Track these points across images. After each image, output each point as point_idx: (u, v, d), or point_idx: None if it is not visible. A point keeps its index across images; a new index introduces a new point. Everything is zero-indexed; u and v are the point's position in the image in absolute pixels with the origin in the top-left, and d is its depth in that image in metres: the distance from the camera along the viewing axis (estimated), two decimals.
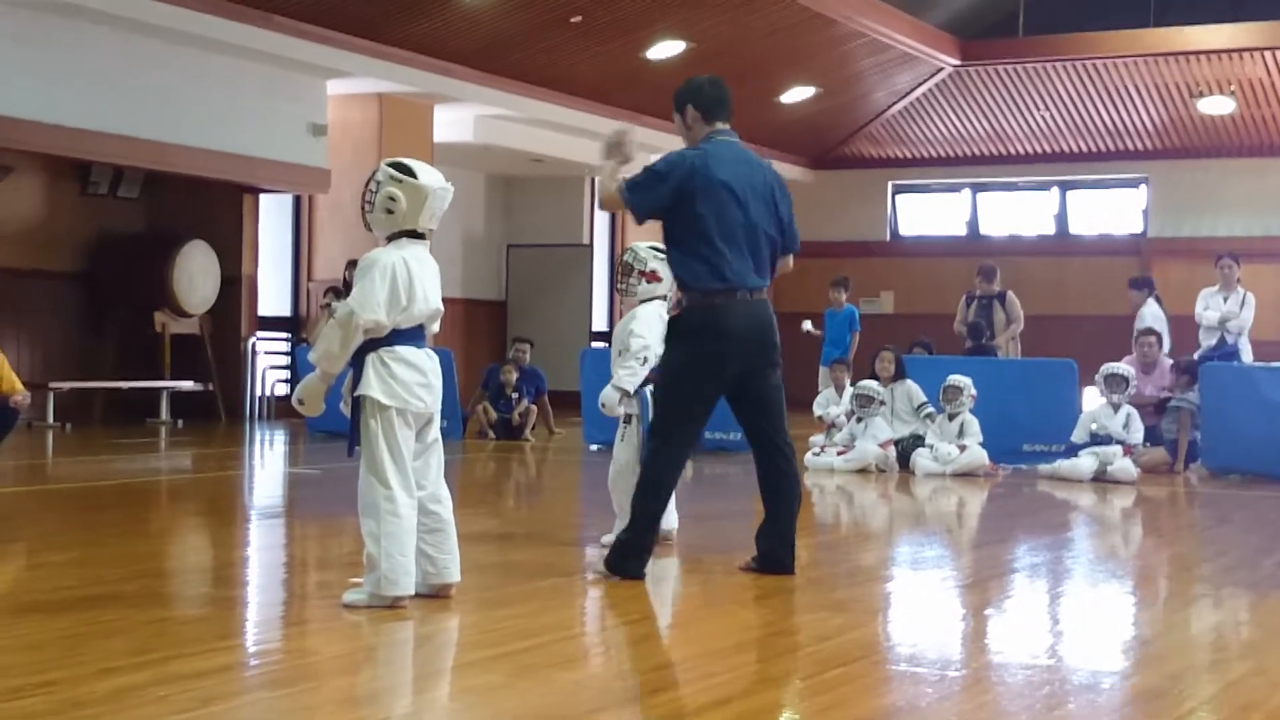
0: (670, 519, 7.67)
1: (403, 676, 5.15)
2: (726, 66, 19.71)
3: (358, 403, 5.90)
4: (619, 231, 23.65)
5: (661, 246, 7.11)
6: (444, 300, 6.14)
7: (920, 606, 6.57)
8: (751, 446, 6.91)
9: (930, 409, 13.01)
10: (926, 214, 26.00)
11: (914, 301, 24.60)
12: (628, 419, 7.59)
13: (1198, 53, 21.34)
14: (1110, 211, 24.81)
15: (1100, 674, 5.15)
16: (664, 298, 7.60)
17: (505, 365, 16.05)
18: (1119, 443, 12.37)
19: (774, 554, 6.80)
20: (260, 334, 18.41)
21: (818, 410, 14.41)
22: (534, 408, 15.90)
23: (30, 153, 15.41)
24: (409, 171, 5.92)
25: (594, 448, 14.23)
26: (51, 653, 5.02)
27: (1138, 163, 24.13)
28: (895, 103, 23.87)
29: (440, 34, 17.25)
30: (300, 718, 4.42)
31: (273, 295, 19.15)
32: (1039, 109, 23.51)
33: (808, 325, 17.16)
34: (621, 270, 7.72)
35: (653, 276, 7.57)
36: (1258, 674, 5.14)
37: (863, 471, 12.55)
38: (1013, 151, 24.74)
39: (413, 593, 5.87)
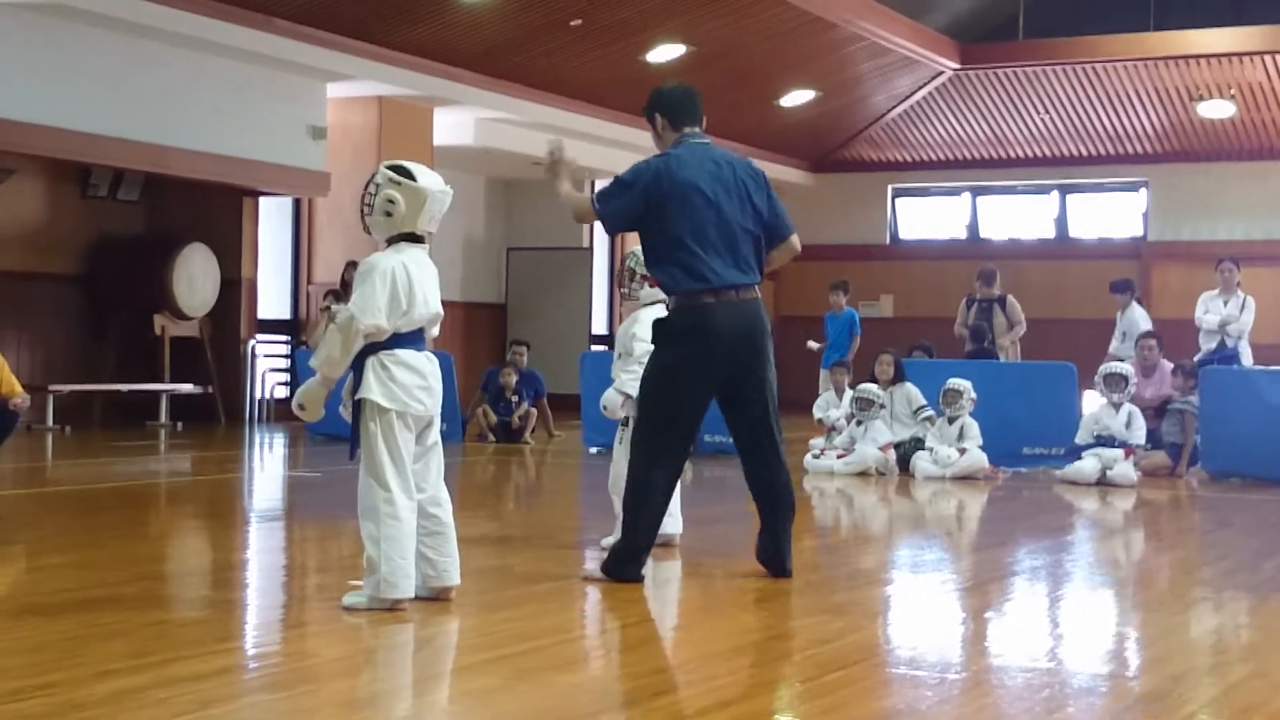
0: (674, 523, 7.66)
1: (402, 679, 5.15)
2: (726, 70, 19.80)
3: (358, 406, 5.90)
4: (619, 235, 23.62)
5: None
6: (444, 303, 6.14)
7: (920, 609, 6.56)
8: (738, 448, 6.86)
9: (929, 412, 13.01)
10: (926, 217, 26.02)
11: (913, 305, 24.61)
12: (626, 422, 7.58)
13: (1198, 56, 21.36)
14: (1110, 215, 24.83)
15: (1100, 677, 5.15)
16: (666, 301, 7.57)
17: (504, 368, 16.05)
18: (1121, 444, 12.36)
19: (770, 556, 6.78)
20: (260, 337, 18.41)
21: (817, 413, 14.41)
22: (533, 411, 15.89)
23: (30, 155, 15.41)
24: (408, 174, 5.91)
25: (593, 450, 14.23)
26: (51, 655, 5.02)
27: (1138, 166, 24.15)
28: (895, 106, 23.88)
29: (440, 37, 17.26)
30: None
31: (272, 298, 19.15)
32: (1039, 112, 23.52)
33: (812, 344, 17.17)
34: (624, 274, 7.71)
35: (655, 280, 7.55)
36: (1258, 677, 5.13)
37: (862, 474, 12.55)
38: (1013, 155, 24.76)
39: (412, 595, 5.87)
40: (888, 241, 25.94)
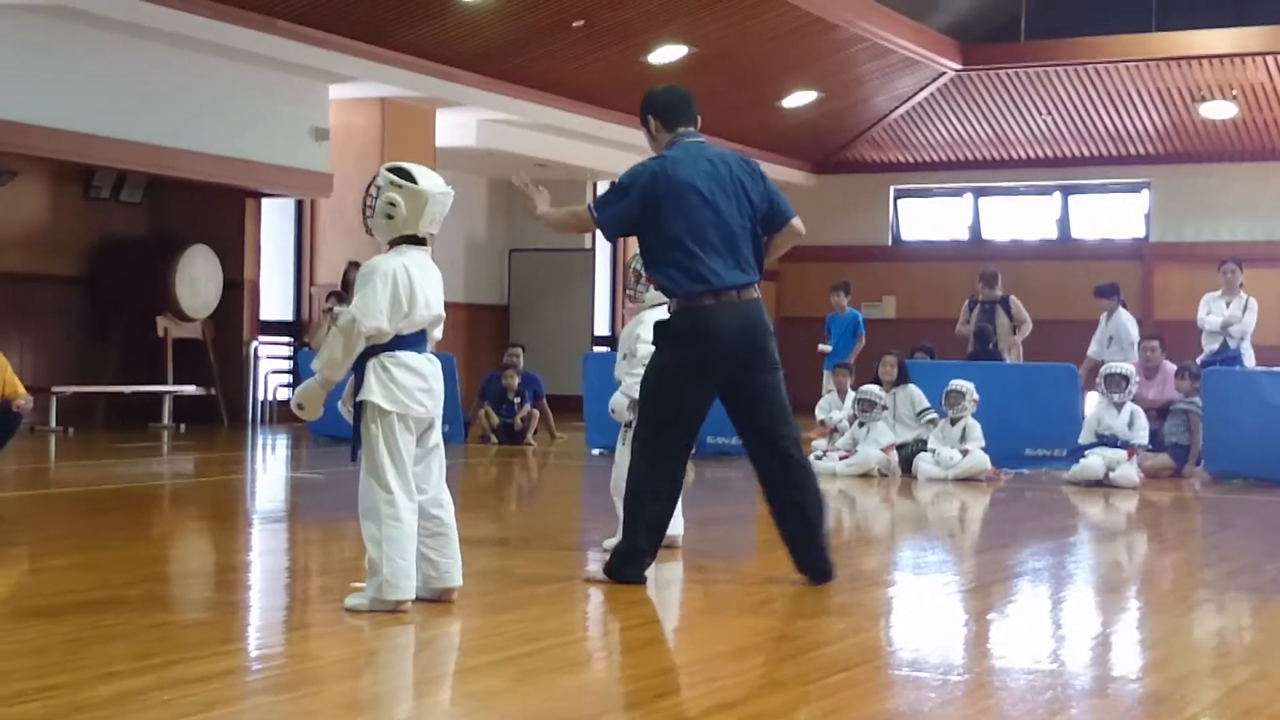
0: (676, 524, 7.66)
1: (405, 681, 5.15)
2: (728, 71, 19.80)
3: (359, 408, 5.90)
4: (619, 240, 23.64)
5: None
6: (446, 305, 6.14)
7: (923, 611, 6.55)
8: (747, 449, 6.77)
9: (933, 414, 12.99)
10: (928, 218, 26.01)
11: (916, 306, 24.60)
12: (629, 424, 7.58)
13: (1200, 57, 21.35)
14: (1112, 216, 24.82)
15: (1103, 679, 5.15)
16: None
17: (506, 370, 16.05)
18: (1124, 444, 12.36)
19: (815, 565, 6.64)
20: (262, 338, 18.41)
21: (820, 414, 14.41)
22: (536, 412, 15.89)
23: (33, 157, 15.41)
24: (409, 176, 5.91)
25: (596, 452, 14.23)
26: (53, 657, 5.02)
27: (1140, 167, 24.14)
28: (897, 107, 23.88)
29: (442, 39, 17.26)
30: None
31: (275, 299, 19.15)
32: (1041, 113, 23.52)
33: (823, 347, 17.16)
34: (631, 276, 7.70)
35: (654, 283, 7.54)
36: (1261, 679, 5.13)
37: (865, 476, 12.54)
38: (1015, 156, 24.75)
39: (414, 597, 5.87)
40: (890, 243, 25.94)
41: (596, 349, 21.51)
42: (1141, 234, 24.44)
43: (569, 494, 12.44)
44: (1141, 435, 12.55)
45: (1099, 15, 22.59)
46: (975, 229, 25.58)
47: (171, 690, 4.58)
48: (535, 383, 16.13)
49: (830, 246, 24.28)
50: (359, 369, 5.90)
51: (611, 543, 7.00)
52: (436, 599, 6.01)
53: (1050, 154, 24.50)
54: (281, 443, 15.92)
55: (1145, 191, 24.39)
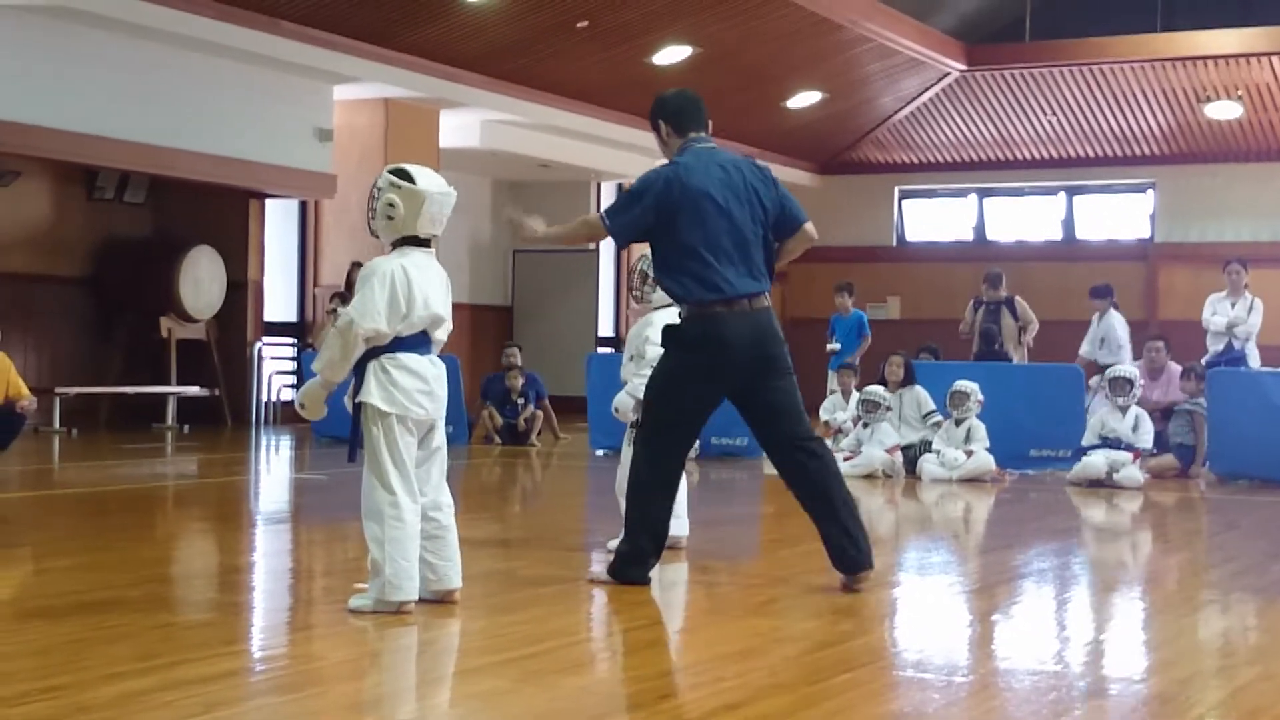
0: (681, 525, 7.65)
1: (408, 682, 5.15)
2: (733, 72, 19.80)
3: (358, 409, 5.91)
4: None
5: None
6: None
7: (927, 612, 6.55)
8: (769, 454, 6.75)
9: (938, 417, 12.96)
10: (933, 219, 26.00)
11: (920, 307, 24.59)
12: (634, 424, 7.57)
13: (1205, 57, 21.34)
14: (1117, 217, 24.80)
15: (1108, 679, 5.14)
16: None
17: (510, 371, 16.05)
18: (1128, 447, 12.34)
19: (844, 553, 6.56)
20: (266, 339, 18.42)
21: (824, 415, 14.40)
22: (539, 413, 15.89)
23: (37, 158, 15.43)
24: (408, 177, 5.91)
25: (600, 453, 14.22)
26: (57, 658, 5.02)
27: (1145, 168, 24.12)
28: (902, 108, 23.87)
29: (446, 39, 17.26)
30: None
31: (279, 300, 19.16)
32: (1046, 114, 23.51)
33: (831, 346, 17.14)
34: (636, 277, 7.68)
35: (667, 290, 7.52)
36: (1266, 679, 5.12)
37: (869, 477, 12.53)
38: (1019, 157, 24.74)
39: (417, 598, 5.87)
40: (894, 243, 25.93)
41: (600, 350, 21.51)
42: (1146, 234, 24.42)
43: (573, 495, 12.43)
44: (1146, 439, 12.53)
45: (1104, 16, 22.57)
46: (980, 230, 25.57)
47: (175, 691, 4.58)
48: (536, 383, 16.13)
49: (835, 247, 24.24)
50: (359, 370, 5.89)
51: (616, 544, 6.99)
52: (438, 600, 6.00)
53: (1055, 155, 24.49)
54: (285, 444, 15.92)
55: (1150, 192, 24.38)
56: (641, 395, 7.33)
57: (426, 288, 5.91)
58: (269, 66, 16.50)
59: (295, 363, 18.61)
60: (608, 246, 23.11)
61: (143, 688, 4.60)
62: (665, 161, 6.75)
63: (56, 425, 15.72)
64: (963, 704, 4.74)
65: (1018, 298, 16.26)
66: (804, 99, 22.26)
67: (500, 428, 15.77)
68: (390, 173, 5.96)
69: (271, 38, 15.86)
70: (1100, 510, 10.94)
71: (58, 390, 15.86)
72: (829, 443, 13.28)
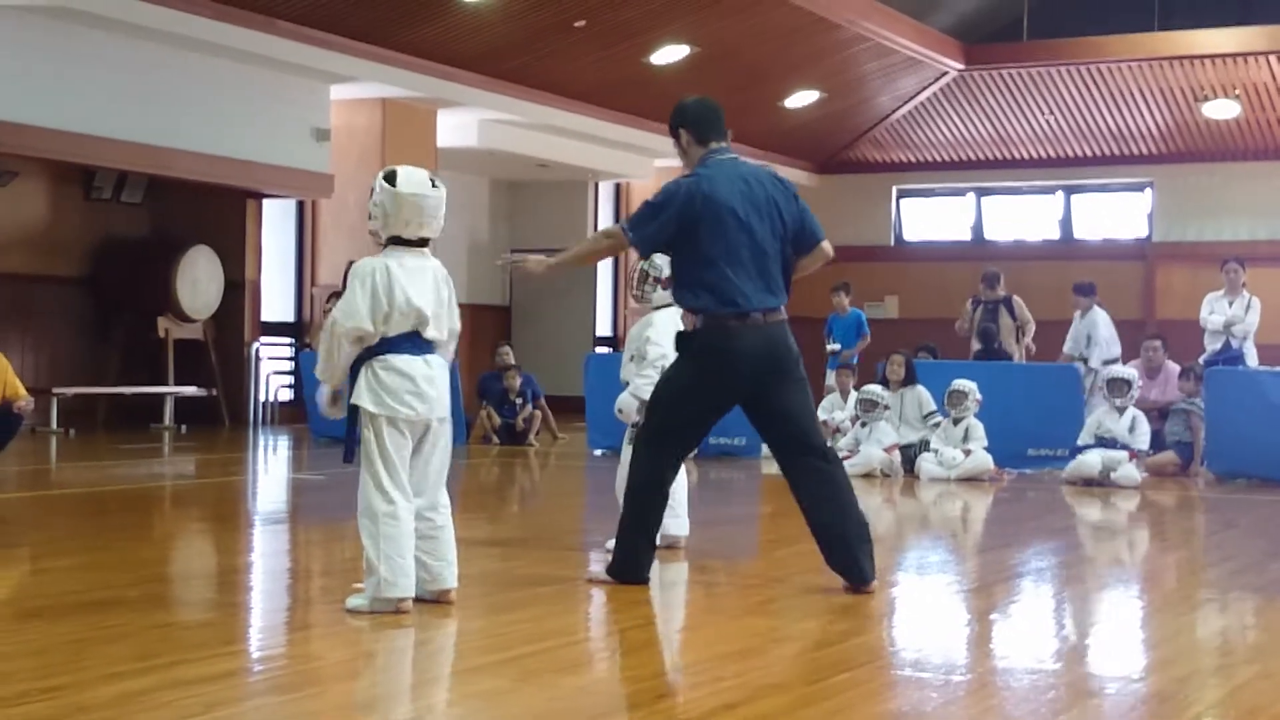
0: (681, 525, 7.65)
1: (406, 681, 5.15)
2: (730, 71, 19.79)
3: (353, 411, 5.92)
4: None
5: None
6: None
7: (925, 611, 6.55)
8: (779, 461, 6.72)
9: (939, 418, 12.95)
10: (931, 218, 25.99)
11: (918, 306, 24.58)
12: (635, 424, 7.57)
13: (1202, 56, 21.33)
14: (1115, 216, 24.79)
15: (1106, 678, 5.14)
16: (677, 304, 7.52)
17: (508, 371, 16.04)
18: (1124, 447, 12.35)
19: (847, 568, 6.54)
20: (264, 339, 18.41)
21: (822, 415, 14.36)
22: (537, 413, 15.89)
23: (34, 158, 15.42)
24: (391, 178, 5.94)
25: (598, 453, 14.22)
26: (56, 658, 5.02)
27: (1142, 167, 24.11)
28: (899, 107, 23.87)
29: (443, 39, 17.25)
30: None
31: (276, 300, 19.14)
32: (1043, 113, 23.50)
33: (831, 346, 17.15)
34: (637, 277, 7.67)
35: (669, 283, 7.51)
36: (1264, 678, 5.12)
37: (867, 476, 12.52)
38: (1017, 156, 24.73)
39: (413, 595, 5.87)
40: (892, 243, 25.91)
41: (598, 350, 21.51)
42: (1144, 234, 24.41)
43: (571, 495, 12.43)
44: (1142, 440, 12.53)
45: (1101, 15, 22.56)
46: (978, 229, 25.56)
47: (173, 691, 4.58)
48: (533, 383, 16.13)
49: (833, 246, 24.22)
50: (354, 373, 5.92)
51: (614, 543, 6.99)
52: (435, 600, 6.01)
53: (1053, 154, 24.48)
54: (283, 444, 15.92)
55: (1148, 191, 24.37)
56: (645, 396, 7.33)
57: (409, 286, 5.90)
58: (266, 66, 16.49)
59: (293, 363, 18.61)
60: None
61: (142, 688, 4.60)
62: (684, 170, 6.72)
63: (54, 426, 15.71)
64: (961, 703, 4.74)
65: (1015, 297, 16.27)
66: (802, 98, 22.26)
67: (498, 428, 15.77)
68: (382, 175, 5.99)
69: (268, 37, 15.85)
70: (1098, 509, 10.94)
71: (55, 390, 15.85)
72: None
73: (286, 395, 18.64)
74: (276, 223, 19.02)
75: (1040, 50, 22.40)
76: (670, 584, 6.95)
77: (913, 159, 25.42)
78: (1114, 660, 5.55)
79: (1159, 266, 23.76)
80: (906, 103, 23.73)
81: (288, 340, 19.07)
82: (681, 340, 6.70)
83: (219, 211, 17.75)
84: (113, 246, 17.36)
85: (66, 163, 15.86)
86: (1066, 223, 24.99)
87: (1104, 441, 12.45)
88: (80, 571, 7.03)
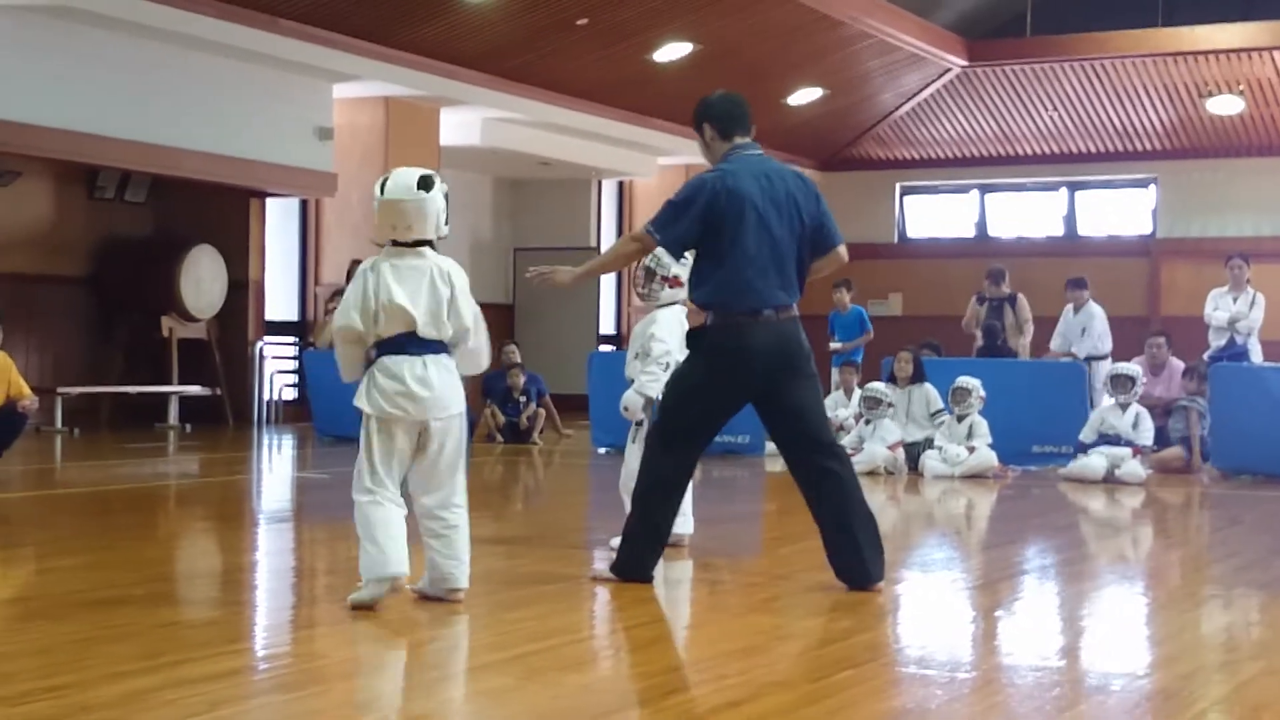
0: (684, 523, 7.64)
1: (412, 680, 5.15)
2: (733, 69, 19.77)
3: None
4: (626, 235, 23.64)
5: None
6: None
7: (930, 608, 6.55)
8: (787, 458, 6.71)
9: (944, 417, 12.92)
10: (934, 215, 25.97)
11: (922, 303, 24.57)
12: (639, 422, 7.57)
13: (1206, 53, 21.31)
14: (1119, 212, 24.77)
15: (1111, 675, 5.13)
16: (684, 302, 7.52)
17: (512, 369, 16.04)
18: (1128, 443, 12.34)
19: (851, 567, 6.52)
20: (268, 338, 18.41)
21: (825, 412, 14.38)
22: (542, 411, 15.89)
23: (37, 157, 15.42)
24: (384, 184, 6.00)
25: (602, 451, 14.22)
26: (60, 657, 5.02)
27: (1146, 163, 24.09)
28: (902, 104, 23.85)
29: (446, 37, 17.26)
30: None
31: (280, 299, 19.13)
32: (1047, 109, 23.48)
33: (834, 344, 17.13)
34: (643, 275, 7.65)
35: (675, 282, 7.50)
36: (1269, 674, 5.12)
37: (871, 474, 12.50)
38: (1021, 152, 24.72)
39: (406, 572, 5.89)
40: (896, 240, 25.90)
41: (602, 348, 21.51)
42: (1148, 230, 24.39)
43: (576, 493, 12.43)
44: (1146, 437, 12.53)
45: (1105, 11, 22.53)
46: (981, 226, 25.54)
47: (178, 689, 4.58)
48: (537, 381, 16.13)
49: None
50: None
51: (619, 541, 6.99)
52: (443, 598, 6.01)
53: (1056, 150, 24.46)
54: (287, 443, 15.93)
55: (1152, 187, 24.35)
56: (650, 393, 7.33)
57: (395, 285, 5.92)
58: (269, 65, 16.50)
59: (296, 362, 18.61)
60: (606, 244, 23.13)
61: (146, 686, 4.61)
62: (707, 166, 6.70)
63: (58, 425, 15.73)
64: (965, 700, 4.74)
65: (1020, 295, 16.25)
66: (804, 95, 22.25)
67: (502, 426, 15.77)
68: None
69: (272, 36, 15.86)
70: (1102, 506, 10.93)
71: (59, 390, 15.87)
72: None
73: (290, 394, 18.64)
74: (280, 222, 19.01)
75: (1044, 46, 22.38)
76: (674, 582, 6.95)
77: (916, 156, 25.41)
78: (1118, 657, 5.55)
79: (1163, 263, 23.74)
80: (909, 100, 23.71)
81: (292, 339, 19.07)
82: (692, 338, 6.69)
83: (222, 211, 17.76)
84: (116, 246, 17.37)
85: (70, 162, 15.87)
86: (1070, 219, 24.97)
87: (1108, 438, 12.44)
88: (84, 570, 7.04)
